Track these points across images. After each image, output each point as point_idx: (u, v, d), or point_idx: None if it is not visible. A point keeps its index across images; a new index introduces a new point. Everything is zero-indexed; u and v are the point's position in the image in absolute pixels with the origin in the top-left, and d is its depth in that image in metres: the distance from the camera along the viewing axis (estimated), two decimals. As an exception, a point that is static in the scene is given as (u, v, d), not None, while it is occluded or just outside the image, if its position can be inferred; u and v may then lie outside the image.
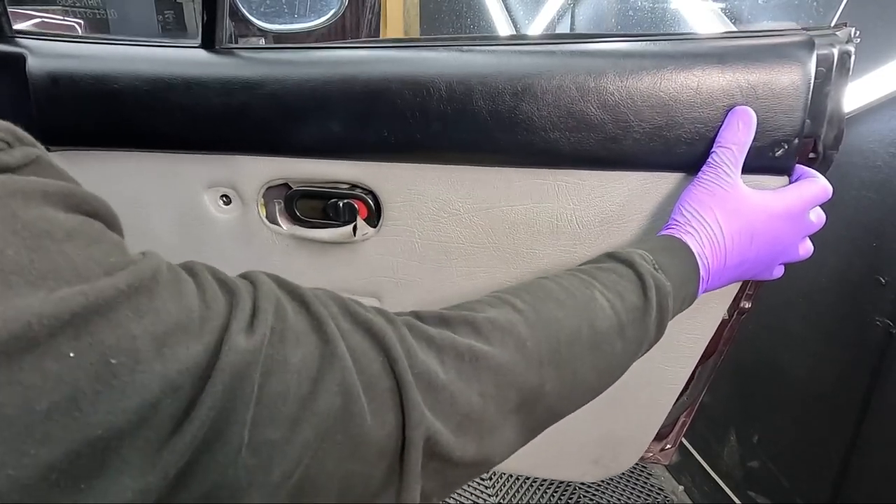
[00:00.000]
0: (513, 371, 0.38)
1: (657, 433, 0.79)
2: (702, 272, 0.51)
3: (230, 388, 0.25)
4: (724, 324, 0.67)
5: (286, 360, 0.28)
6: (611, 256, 0.50)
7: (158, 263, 0.27)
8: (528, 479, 1.52)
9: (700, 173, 0.55)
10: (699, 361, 0.67)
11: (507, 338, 0.39)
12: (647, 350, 0.49)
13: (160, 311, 0.25)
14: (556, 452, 0.78)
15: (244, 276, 0.33)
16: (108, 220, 0.28)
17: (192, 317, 0.26)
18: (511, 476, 1.52)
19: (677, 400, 0.73)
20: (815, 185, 0.55)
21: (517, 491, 1.49)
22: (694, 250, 0.51)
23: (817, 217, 0.57)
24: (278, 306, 0.30)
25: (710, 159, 0.55)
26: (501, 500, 1.46)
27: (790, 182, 0.57)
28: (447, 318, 0.38)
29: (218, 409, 0.24)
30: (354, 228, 0.68)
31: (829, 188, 0.55)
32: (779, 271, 0.59)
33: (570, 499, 1.47)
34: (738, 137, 0.54)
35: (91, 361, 0.21)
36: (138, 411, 0.22)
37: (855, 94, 0.92)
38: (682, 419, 0.77)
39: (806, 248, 0.58)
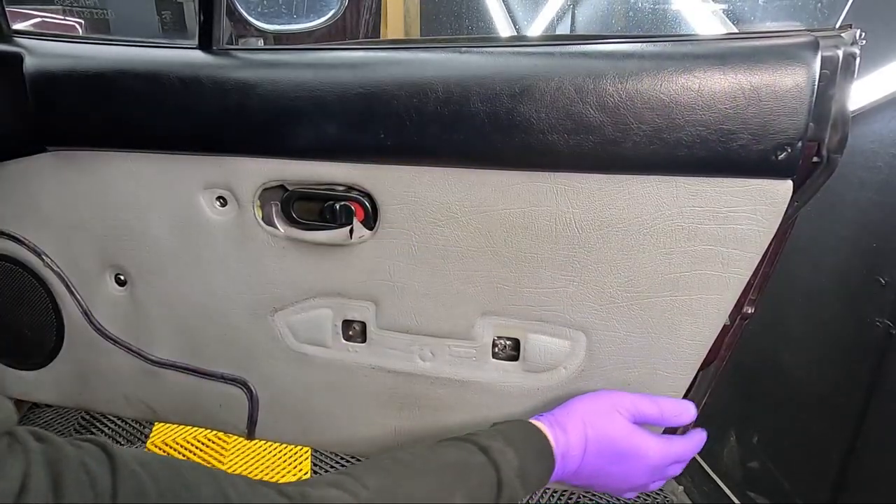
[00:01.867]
0: None
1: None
2: (553, 478, 0.58)
3: None
4: (725, 330, 0.66)
5: None
6: (485, 451, 0.53)
7: None
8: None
9: (613, 395, 0.62)
10: (701, 367, 0.67)
11: None
12: None
13: None
14: None
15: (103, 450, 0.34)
16: None
17: None
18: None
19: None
20: (691, 445, 0.63)
21: (517, 491, 1.49)
22: (558, 457, 0.57)
23: (676, 469, 0.64)
24: None
25: (631, 396, 0.62)
26: (501, 501, 1.46)
27: (792, 192, 0.56)
28: None
29: None
30: (351, 231, 0.68)
31: (699, 449, 0.64)
32: (629, 496, 0.66)
33: (570, 499, 1.47)
34: (668, 415, 0.63)
35: None
36: None
37: (856, 95, 0.92)
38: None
39: (656, 487, 0.65)
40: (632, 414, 0.61)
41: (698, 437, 0.65)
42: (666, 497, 1.47)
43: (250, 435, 0.84)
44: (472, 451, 0.54)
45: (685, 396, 0.71)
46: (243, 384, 0.81)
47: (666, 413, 0.62)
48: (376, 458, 0.52)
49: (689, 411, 0.63)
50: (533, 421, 0.60)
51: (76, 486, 0.30)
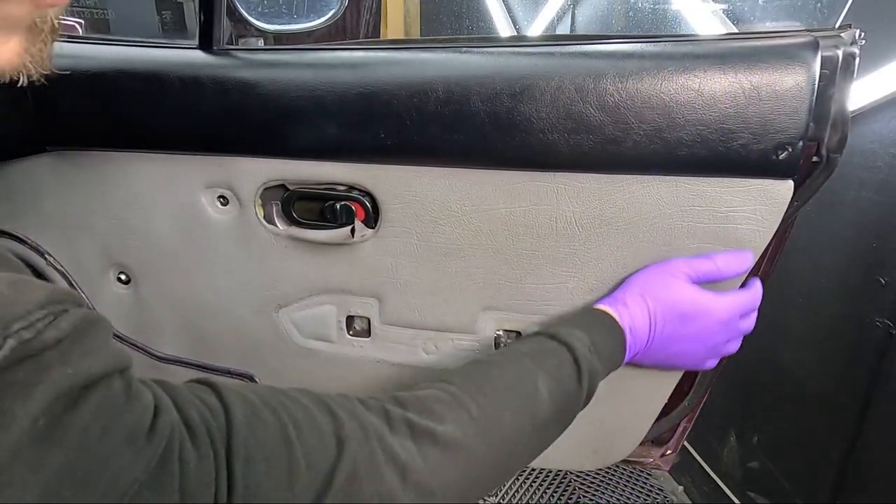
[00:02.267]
0: (465, 485, 0.44)
1: (658, 439, 0.79)
2: (628, 352, 0.58)
3: None
4: None
5: None
6: (553, 337, 0.54)
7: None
8: (527, 477, 1.52)
9: (667, 262, 0.61)
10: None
11: (462, 456, 0.44)
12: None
13: None
14: (558, 443, 0.78)
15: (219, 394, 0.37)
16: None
17: None
18: (511, 476, 1.52)
19: (678, 405, 0.73)
20: (750, 295, 0.61)
21: (517, 490, 1.49)
22: (626, 330, 0.57)
23: (748, 323, 0.62)
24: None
25: (685, 259, 0.60)
26: (501, 501, 1.46)
27: (793, 192, 0.56)
28: (415, 428, 0.43)
29: None
30: (352, 230, 0.68)
31: (759, 297, 0.62)
32: (711, 363, 0.64)
33: (570, 498, 1.47)
34: (724, 267, 0.59)
35: None
36: None
37: (856, 95, 0.92)
38: (682, 425, 0.77)
39: (735, 347, 0.64)
40: (688, 275, 0.60)
41: (756, 285, 0.62)
42: (666, 497, 1.47)
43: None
44: (541, 340, 0.54)
45: (685, 396, 0.71)
46: (250, 379, 0.82)
47: (722, 266, 0.60)
48: (454, 367, 0.53)
49: (745, 259, 0.60)
50: (596, 305, 0.60)
51: (191, 405, 0.34)
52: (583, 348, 0.53)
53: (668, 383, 0.70)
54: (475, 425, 0.45)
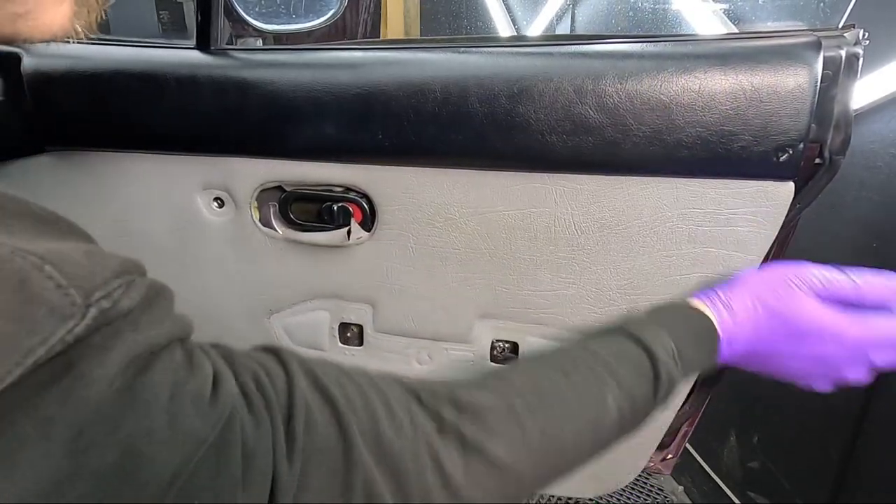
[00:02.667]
0: (505, 499, 0.41)
1: (659, 443, 0.78)
2: (719, 360, 0.51)
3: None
4: None
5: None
6: (637, 341, 0.48)
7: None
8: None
9: (794, 267, 0.53)
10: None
11: (508, 478, 0.41)
12: None
13: None
14: None
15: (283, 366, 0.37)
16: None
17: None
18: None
19: (679, 409, 0.72)
20: (892, 325, 0.51)
21: (516, 492, 1.49)
22: (723, 340, 0.51)
23: (883, 357, 0.52)
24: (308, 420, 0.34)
25: (820, 268, 0.52)
26: (501, 501, 1.46)
27: (794, 194, 0.56)
28: (465, 441, 0.40)
29: None
30: (349, 232, 0.68)
31: None
32: (822, 386, 0.55)
33: (570, 499, 1.47)
34: (868, 292, 0.51)
35: None
36: None
37: (856, 95, 0.92)
38: (683, 429, 0.76)
39: (860, 375, 0.53)
40: (815, 289, 0.51)
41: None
42: (666, 497, 1.47)
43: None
44: (621, 342, 0.48)
45: (686, 398, 0.70)
46: None
47: (866, 290, 0.50)
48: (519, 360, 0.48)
49: None
50: (694, 301, 0.53)
51: (248, 372, 0.35)
52: (666, 357, 0.47)
53: (667, 412, 0.69)
54: (527, 448, 0.42)
